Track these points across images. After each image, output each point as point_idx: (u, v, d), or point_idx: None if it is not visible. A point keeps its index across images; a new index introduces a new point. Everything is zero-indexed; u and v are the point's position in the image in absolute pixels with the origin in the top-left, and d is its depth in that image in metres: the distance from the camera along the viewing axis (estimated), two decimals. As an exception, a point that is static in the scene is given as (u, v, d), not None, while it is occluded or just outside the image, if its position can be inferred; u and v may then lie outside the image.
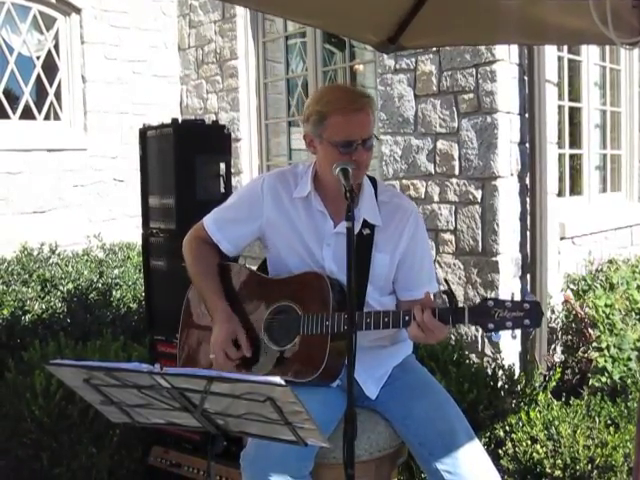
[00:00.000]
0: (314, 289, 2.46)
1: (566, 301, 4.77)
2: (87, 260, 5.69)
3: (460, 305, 2.26)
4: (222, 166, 3.53)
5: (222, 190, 3.50)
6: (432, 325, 2.23)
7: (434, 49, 4.78)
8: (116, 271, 5.50)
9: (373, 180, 2.64)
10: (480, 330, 2.25)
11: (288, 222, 2.58)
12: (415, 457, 2.54)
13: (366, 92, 2.58)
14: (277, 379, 1.66)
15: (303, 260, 2.56)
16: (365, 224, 2.54)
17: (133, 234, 5.66)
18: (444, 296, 2.29)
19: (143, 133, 3.60)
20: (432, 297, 2.48)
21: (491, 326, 2.17)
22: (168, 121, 3.50)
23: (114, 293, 5.22)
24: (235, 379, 1.72)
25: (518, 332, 2.22)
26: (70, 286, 5.10)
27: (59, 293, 5.01)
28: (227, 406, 1.83)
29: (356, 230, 2.49)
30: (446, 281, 2.40)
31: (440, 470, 2.38)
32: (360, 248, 2.51)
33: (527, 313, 2.13)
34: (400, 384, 2.58)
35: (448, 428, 2.43)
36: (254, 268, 2.76)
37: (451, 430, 2.43)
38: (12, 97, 6.34)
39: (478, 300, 4.59)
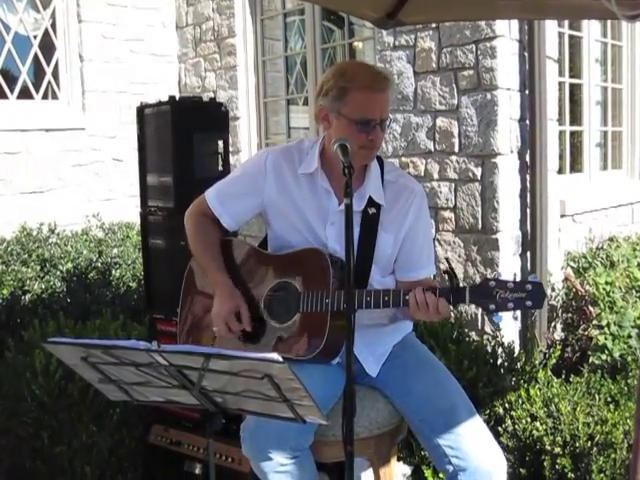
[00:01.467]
0: (315, 266, 2.45)
1: (566, 279, 4.77)
2: (86, 240, 5.67)
3: (461, 285, 2.25)
4: (220, 144, 3.50)
5: (220, 168, 3.48)
6: (433, 304, 2.23)
7: (433, 25, 4.74)
8: (115, 250, 5.50)
9: (380, 159, 2.63)
10: (481, 309, 2.23)
11: (290, 199, 2.56)
12: (416, 434, 2.54)
13: (388, 73, 2.56)
14: (275, 356, 1.65)
15: (305, 238, 2.55)
16: (371, 203, 2.52)
17: (132, 213, 5.63)
18: (445, 275, 2.27)
19: (140, 111, 3.57)
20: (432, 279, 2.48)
21: (492, 307, 2.16)
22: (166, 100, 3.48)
23: (113, 272, 5.21)
24: (233, 356, 1.71)
25: (519, 312, 2.21)
26: (69, 266, 5.10)
27: (58, 273, 5.01)
28: (225, 383, 1.83)
29: (361, 207, 2.49)
30: (447, 260, 2.38)
31: (442, 446, 2.38)
32: (366, 227, 2.51)
33: (529, 294, 2.12)
34: (400, 362, 2.58)
35: (448, 404, 2.43)
36: (255, 244, 2.76)
37: (451, 406, 2.43)
38: (9, 77, 6.29)
39: (478, 278, 4.59)
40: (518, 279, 2.18)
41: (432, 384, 2.49)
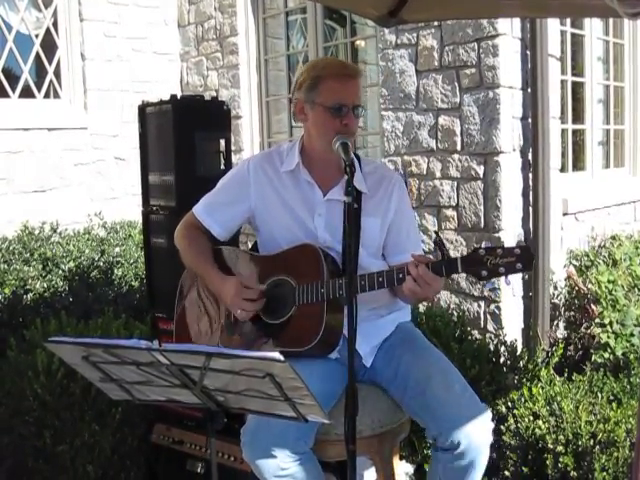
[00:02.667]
0: (307, 260, 2.50)
1: (569, 277, 4.76)
2: (88, 239, 5.67)
3: (452, 256, 2.29)
4: (222, 142, 3.51)
5: (222, 167, 3.48)
6: (427, 277, 2.25)
7: (435, 24, 4.74)
8: (117, 249, 5.49)
9: (356, 155, 2.70)
10: (474, 278, 2.26)
11: (277, 198, 2.64)
12: (417, 420, 2.53)
13: (357, 66, 2.69)
14: (276, 355, 1.65)
15: (295, 234, 2.60)
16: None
17: (134, 212, 5.64)
18: (436, 247, 2.31)
19: (142, 110, 3.57)
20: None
21: (484, 273, 2.20)
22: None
23: (116, 271, 5.21)
24: (234, 355, 1.71)
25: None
26: (71, 265, 5.10)
27: (60, 272, 5.01)
28: (227, 382, 1.83)
29: (345, 199, 2.49)
30: (437, 233, 2.42)
31: (429, 421, 2.41)
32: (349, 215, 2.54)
33: (518, 257, 2.16)
34: (387, 345, 2.64)
35: (424, 374, 2.45)
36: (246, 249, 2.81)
37: (427, 375, 2.44)
38: (11, 76, 6.28)
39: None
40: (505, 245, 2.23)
41: (413, 359, 2.53)
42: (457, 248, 4.73)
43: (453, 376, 2.49)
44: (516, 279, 4.58)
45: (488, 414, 2.44)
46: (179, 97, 3.45)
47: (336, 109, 2.47)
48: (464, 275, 4.67)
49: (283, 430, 2.20)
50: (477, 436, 2.35)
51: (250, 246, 2.92)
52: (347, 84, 2.51)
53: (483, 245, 2.26)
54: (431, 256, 2.49)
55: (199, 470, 3.29)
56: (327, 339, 2.44)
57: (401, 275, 2.32)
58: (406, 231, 2.68)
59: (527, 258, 2.16)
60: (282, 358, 1.64)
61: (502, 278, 2.24)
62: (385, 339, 2.65)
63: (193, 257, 2.69)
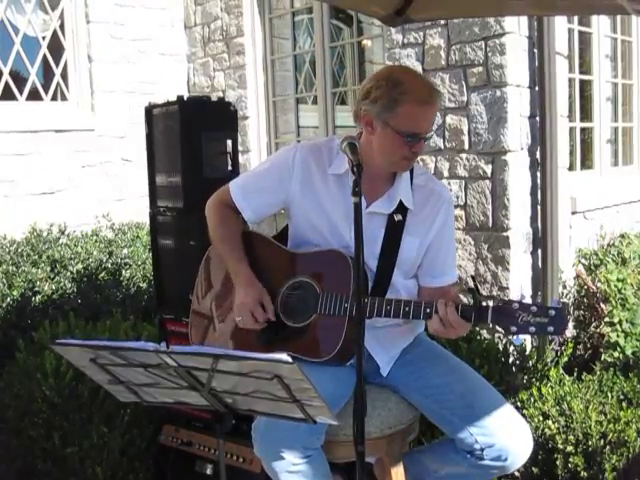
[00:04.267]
0: (335, 268, 2.43)
1: (578, 276, 4.74)
2: (96, 240, 5.67)
3: (484, 304, 2.22)
4: (229, 143, 3.50)
5: (229, 167, 3.47)
6: (454, 321, 2.21)
7: (442, 23, 4.72)
8: (125, 251, 5.50)
9: None
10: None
11: (315, 199, 2.54)
12: (438, 423, 2.53)
13: (437, 87, 2.51)
14: (284, 356, 1.64)
15: (325, 238, 2.52)
16: (399, 208, 2.50)
17: (142, 214, 5.61)
18: (468, 293, 2.24)
19: (149, 111, 3.57)
20: (455, 291, 2.47)
21: (514, 329, 2.14)
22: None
23: (124, 273, 5.22)
24: (242, 357, 1.70)
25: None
26: (80, 266, 5.10)
27: (69, 274, 5.01)
28: (235, 384, 1.82)
29: (390, 210, 2.49)
30: (473, 278, 2.35)
31: (467, 428, 2.38)
32: (391, 232, 2.49)
33: (552, 320, 2.10)
34: (411, 357, 2.58)
35: (467, 387, 2.44)
36: (274, 233, 2.74)
37: (471, 388, 2.44)
38: (19, 78, 6.30)
39: (489, 276, 4.56)
40: (540, 303, 2.17)
41: (447, 372, 2.50)
42: (465, 247, 4.71)
43: (494, 391, 2.50)
44: (525, 279, 4.57)
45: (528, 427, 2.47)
46: (186, 98, 3.44)
47: (411, 136, 2.34)
48: (472, 274, 4.66)
49: (294, 426, 2.16)
50: (523, 454, 2.39)
51: (279, 230, 2.81)
52: (427, 112, 2.37)
53: (518, 298, 2.21)
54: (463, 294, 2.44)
55: (208, 472, 3.28)
56: (344, 353, 2.40)
57: (429, 310, 2.26)
58: (444, 255, 2.58)
59: (561, 322, 2.09)
60: (290, 360, 1.63)
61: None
62: (405, 351, 2.61)
63: (221, 241, 2.61)
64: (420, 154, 2.46)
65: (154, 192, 3.59)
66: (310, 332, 2.45)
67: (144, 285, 5.15)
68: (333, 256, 2.45)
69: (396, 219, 2.49)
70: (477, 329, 3.83)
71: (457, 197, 4.76)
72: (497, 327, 2.21)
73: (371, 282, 2.46)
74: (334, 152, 2.54)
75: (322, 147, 2.58)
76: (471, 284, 2.21)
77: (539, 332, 2.12)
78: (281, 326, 2.50)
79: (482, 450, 2.35)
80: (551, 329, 2.10)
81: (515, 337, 2.18)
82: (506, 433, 2.35)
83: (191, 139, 3.35)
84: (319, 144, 2.61)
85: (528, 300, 2.23)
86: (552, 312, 2.10)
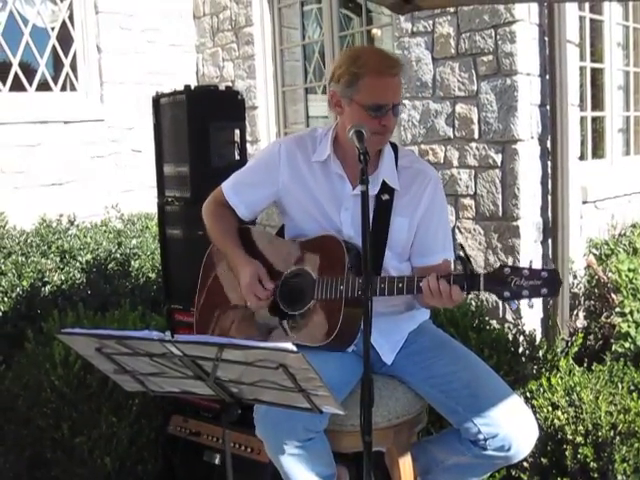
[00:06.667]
0: (330, 253, 2.45)
1: (589, 266, 4.71)
2: (105, 231, 5.68)
3: (476, 271, 2.21)
4: (237, 132, 3.48)
5: (237, 157, 3.46)
6: (446, 291, 2.20)
7: (452, 10, 4.69)
8: (134, 241, 5.50)
9: (394, 145, 2.62)
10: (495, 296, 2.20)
11: (305, 187, 2.57)
12: (444, 412, 2.51)
13: (400, 57, 2.55)
14: (289, 345, 1.63)
15: (320, 225, 2.55)
16: (384, 189, 2.52)
17: (151, 204, 5.60)
18: (459, 261, 2.24)
19: (156, 101, 3.56)
20: (450, 264, 2.45)
21: (507, 294, 2.12)
22: (183, 90, 3.46)
23: (133, 263, 5.22)
24: (246, 346, 1.70)
25: (535, 300, 2.17)
26: (89, 257, 5.11)
27: (78, 264, 5.02)
28: (240, 374, 1.82)
29: (375, 192, 2.48)
30: (462, 246, 2.34)
31: (470, 418, 2.36)
32: (379, 213, 2.50)
33: (545, 281, 2.08)
34: (417, 346, 2.57)
35: (472, 376, 2.42)
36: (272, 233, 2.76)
37: (475, 377, 2.42)
38: (28, 69, 6.30)
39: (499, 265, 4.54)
40: (535, 266, 2.15)
41: (453, 361, 2.49)
42: (475, 237, 4.69)
43: (500, 380, 2.49)
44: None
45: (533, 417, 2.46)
46: (193, 87, 3.42)
47: (375, 109, 2.35)
48: (482, 265, 4.64)
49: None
50: (526, 444, 2.38)
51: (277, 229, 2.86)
52: (388, 83, 2.37)
53: (510, 263, 2.19)
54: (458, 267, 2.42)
55: (216, 461, 3.28)
56: (343, 336, 2.41)
57: (421, 284, 2.25)
58: (434, 232, 2.56)
59: (554, 283, 2.08)
60: (295, 349, 1.62)
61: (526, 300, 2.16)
62: (410, 341, 2.60)
63: (219, 235, 2.66)
64: (392, 128, 2.45)
65: (162, 182, 3.58)
66: (309, 318, 2.46)
67: (153, 275, 5.16)
68: (327, 241, 2.47)
69: (383, 198, 2.50)
70: (487, 318, 3.82)
71: (467, 186, 4.74)
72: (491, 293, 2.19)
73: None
74: (317, 141, 2.60)
75: (305, 137, 2.64)
76: (461, 253, 2.19)
77: (533, 295, 2.10)
78: (281, 315, 2.51)
79: (486, 440, 2.34)
80: (545, 291, 2.09)
81: (511, 302, 2.17)
82: (510, 423, 2.33)
83: (199, 129, 3.34)
84: (302, 135, 2.67)
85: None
86: (544, 274, 2.09)
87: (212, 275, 2.75)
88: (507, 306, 4.44)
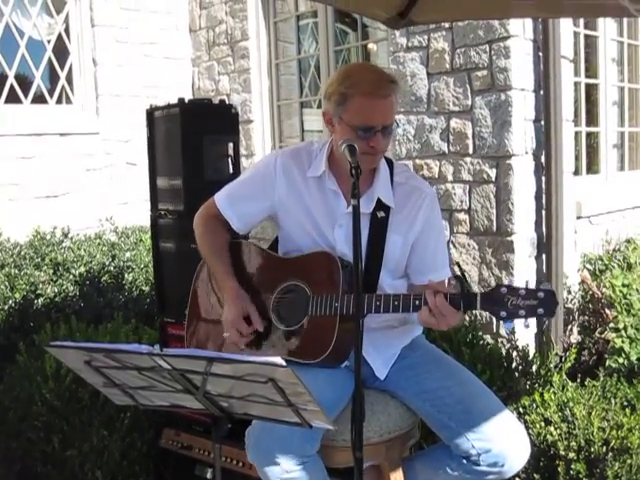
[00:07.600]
0: (324, 269, 2.42)
1: (583, 281, 4.71)
2: (99, 243, 5.67)
3: (473, 291, 2.21)
4: (230, 146, 3.49)
5: (230, 170, 3.46)
6: (444, 310, 2.18)
7: (447, 26, 4.71)
8: (128, 254, 5.49)
9: (389, 161, 2.59)
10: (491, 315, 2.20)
11: (300, 202, 2.54)
12: (435, 428, 2.50)
13: (394, 76, 2.45)
14: (278, 359, 1.62)
15: (314, 241, 2.52)
16: (379, 206, 2.49)
17: (146, 217, 5.61)
18: (454, 281, 2.23)
19: (150, 114, 3.57)
20: (447, 283, 2.44)
21: (503, 314, 2.12)
22: (178, 103, 3.46)
23: (126, 276, 5.21)
24: (235, 360, 1.68)
25: (531, 321, 2.16)
26: (82, 269, 5.10)
27: (71, 276, 5.01)
28: (230, 388, 1.80)
29: (370, 210, 2.47)
30: (458, 265, 2.33)
31: (463, 433, 2.34)
32: (374, 230, 2.48)
33: (541, 302, 2.08)
34: (410, 361, 2.56)
35: (465, 392, 2.41)
36: (265, 247, 2.74)
37: (468, 393, 2.41)
38: (24, 81, 6.31)
39: (493, 281, 4.54)
40: (531, 286, 2.14)
41: (446, 376, 2.48)
42: (469, 252, 4.69)
43: (493, 397, 2.47)
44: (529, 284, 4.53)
45: (525, 433, 2.44)
46: (186, 101, 3.43)
47: (363, 130, 2.31)
48: (476, 280, 4.63)
49: (288, 433, 2.15)
50: (519, 460, 2.36)
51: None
52: (377, 105, 2.32)
53: (506, 282, 2.19)
54: (453, 284, 2.42)
55: (208, 476, 3.27)
56: (337, 353, 2.39)
57: (417, 302, 2.23)
58: (432, 251, 2.54)
59: (550, 304, 2.08)
60: (283, 363, 1.61)
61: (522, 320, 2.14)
62: (402, 355, 2.59)
63: (208, 252, 2.62)
64: (383, 149, 2.41)
65: (155, 195, 3.59)
66: (303, 334, 2.44)
67: (146, 288, 5.14)
68: (322, 257, 2.45)
69: (379, 216, 2.47)
70: (480, 333, 3.81)
71: (461, 201, 4.74)
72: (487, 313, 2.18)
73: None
74: (313, 155, 2.56)
75: (301, 151, 2.60)
76: (458, 272, 2.18)
77: (529, 315, 2.10)
78: (274, 331, 2.50)
79: (479, 455, 2.32)
80: (541, 311, 2.08)
81: (505, 323, 2.16)
82: (503, 439, 2.32)
83: (192, 142, 3.35)
84: (299, 148, 2.63)
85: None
86: (541, 294, 2.09)
87: (203, 288, 2.73)
88: (502, 325, 4.42)
